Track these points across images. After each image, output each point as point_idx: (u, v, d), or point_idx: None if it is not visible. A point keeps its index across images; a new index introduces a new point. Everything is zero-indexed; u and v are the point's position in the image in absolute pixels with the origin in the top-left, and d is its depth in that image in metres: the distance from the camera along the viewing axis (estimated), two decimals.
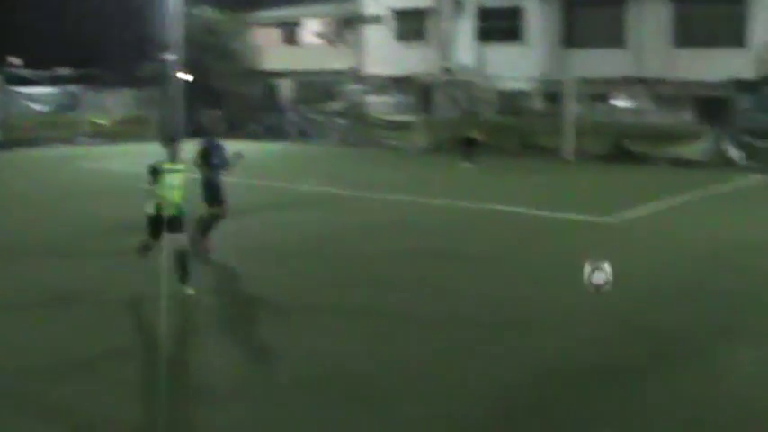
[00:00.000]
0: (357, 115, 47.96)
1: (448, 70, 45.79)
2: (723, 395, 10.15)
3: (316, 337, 12.13)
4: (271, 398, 9.91)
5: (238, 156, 17.00)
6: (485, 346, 11.93)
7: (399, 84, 47.88)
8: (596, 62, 41.74)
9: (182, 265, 13.84)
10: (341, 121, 48.10)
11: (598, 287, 8.83)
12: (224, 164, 17.33)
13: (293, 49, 56.08)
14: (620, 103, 42.92)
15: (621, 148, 38.28)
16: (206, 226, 17.18)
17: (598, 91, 41.84)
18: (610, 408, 9.67)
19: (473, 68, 45.98)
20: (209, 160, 17.17)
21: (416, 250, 18.22)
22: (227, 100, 53.57)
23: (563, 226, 21.60)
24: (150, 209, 13.85)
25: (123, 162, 34.26)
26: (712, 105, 38.88)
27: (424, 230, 20.71)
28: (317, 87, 53.65)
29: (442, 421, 9.28)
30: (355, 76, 50.49)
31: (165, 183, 13.75)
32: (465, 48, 46.83)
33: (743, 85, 38.50)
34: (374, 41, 50.32)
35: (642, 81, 41.30)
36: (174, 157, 14.09)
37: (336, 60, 51.01)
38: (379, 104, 48.73)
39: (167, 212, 13.63)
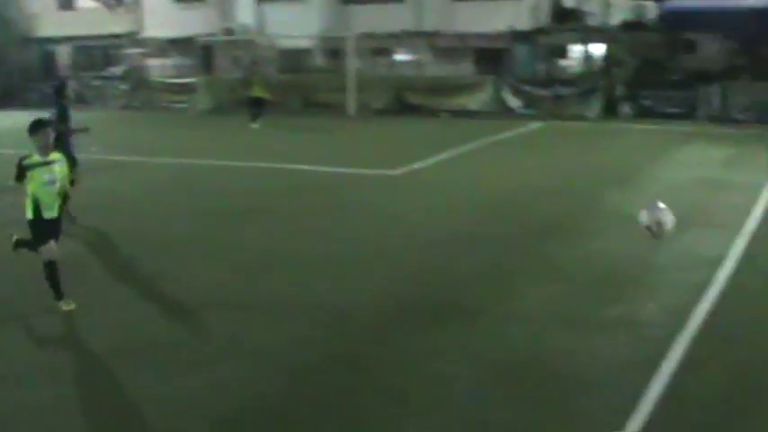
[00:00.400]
0: (138, 79, 45.85)
1: (228, 30, 44.02)
2: (513, 340, 9.86)
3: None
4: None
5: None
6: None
7: (180, 46, 45.87)
8: (376, 17, 40.64)
9: (52, 278, 11.10)
10: (122, 85, 45.82)
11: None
12: None
13: (69, 15, 53.12)
14: (401, 56, 42.43)
15: (404, 102, 37.72)
16: None
17: (379, 45, 41.11)
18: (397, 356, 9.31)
19: (254, 28, 44.46)
20: None
21: (199, 210, 17.54)
22: (2, 68, 50.69)
23: (345, 180, 20.68)
24: (29, 213, 10.97)
25: None
26: (491, 56, 38.76)
27: (205, 191, 19.83)
28: (96, 52, 51.31)
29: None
30: (134, 39, 48.20)
31: (38, 180, 10.93)
32: (245, 7, 44.91)
33: (519, 36, 38.48)
34: (152, 4, 47.67)
35: (422, 34, 40.76)
36: (45, 148, 11.16)
37: (114, 24, 48.25)
38: (160, 67, 46.88)
39: (48, 215, 10.97)
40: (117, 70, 47.72)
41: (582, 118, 33.96)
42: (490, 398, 8.43)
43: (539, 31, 38.60)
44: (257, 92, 34.30)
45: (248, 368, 9.27)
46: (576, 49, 39.02)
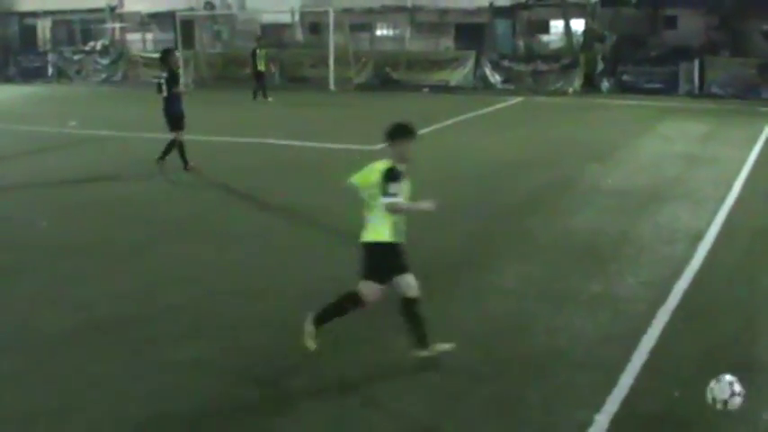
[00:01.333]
0: (118, 54, 45.48)
1: (209, 5, 43.64)
2: (490, 314, 9.69)
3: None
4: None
5: None
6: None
7: (160, 20, 45.52)
8: None
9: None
10: (102, 60, 45.44)
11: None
12: None
13: None
14: (382, 31, 42.22)
15: (385, 77, 37.54)
16: None
17: (359, 21, 40.86)
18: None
19: (234, 2, 44.11)
20: None
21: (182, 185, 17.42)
22: None
23: (325, 156, 20.55)
24: (384, 234, 8.43)
25: None
26: (472, 32, 38.62)
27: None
28: (76, 27, 50.91)
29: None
30: (114, 13, 47.77)
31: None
32: None
33: (500, 11, 38.35)
34: None
35: (403, 9, 40.54)
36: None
37: None
38: (141, 42, 46.54)
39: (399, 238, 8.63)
40: (97, 45, 47.26)
41: (562, 93, 33.91)
42: (466, 371, 8.34)
43: (519, 7, 38.50)
44: (262, 65, 34.05)
45: (222, 346, 9.14)
46: (556, 25, 38.88)
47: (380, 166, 8.21)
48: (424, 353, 8.32)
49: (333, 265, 11.77)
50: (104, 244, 13.17)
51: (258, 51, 34.05)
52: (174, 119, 18.26)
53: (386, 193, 8.06)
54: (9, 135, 25.09)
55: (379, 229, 8.25)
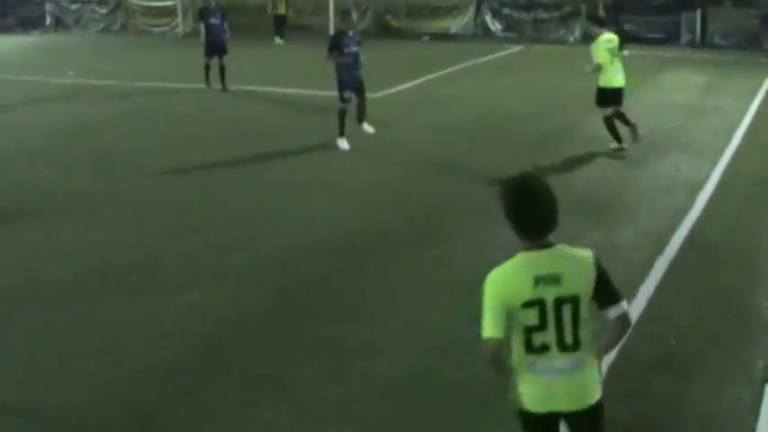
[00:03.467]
0: (117, 3, 45.12)
1: None
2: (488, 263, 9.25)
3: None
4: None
5: None
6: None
7: None
8: None
9: None
10: (100, 9, 45.10)
11: None
12: None
13: None
14: None
15: (384, 25, 37.31)
16: None
17: None
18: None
19: None
20: None
21: (178, 135, 17.39)
22: None
23: (325, 104, 20.22)
24: None
25: None
26: None
27: (186, 115, 19.72)
28: None
29: None
30: None
31: None
32: None
33: None
34: None
35: None
36: None
37: None
38: None
39: None
40: None
41: (563, 42, 33.70)
42: (465, 319, 8.43)
43: None
44: (281, 9, 35.54)
45: (222, 293, 9.24)
46: None
47: None
48: None
49: (330, 217, 11.87)
50: (106, 193, 13.23)
51: None
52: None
53: None
54: (7, 85, 25.01)
55: None
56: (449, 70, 25.44)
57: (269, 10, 36.58)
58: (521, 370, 4.56)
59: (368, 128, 16.49)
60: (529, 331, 4.48)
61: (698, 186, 12.91)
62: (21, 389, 7.30)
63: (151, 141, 16.94)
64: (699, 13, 32.77)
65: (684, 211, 11.73)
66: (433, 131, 17.30)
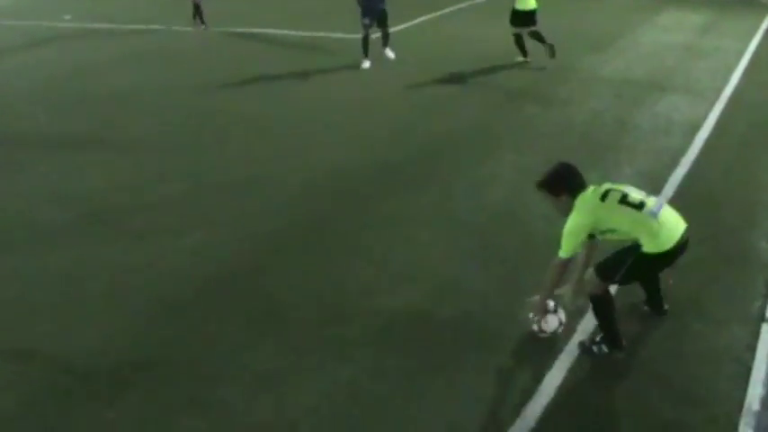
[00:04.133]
0: None
1: None
2: (489, 202, 9.32)
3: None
4: None
5: None
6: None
7: None
8: None
9: None
10: None
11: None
12: None
13: None
14: None
15: None
16: None
17: None
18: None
19: None
20: None
21: (177, 81, 16.93)
22: None
23: (315, 45, 20.48)
24: None
25: None
26: None
27: (183, 59, 19.40)
28: None
29: None
30: None
31: None
32: None
33: None
34: None
35: None
36: None
37: None
38: None
39: None
40: None
41: None
42: (466, 257, 8.47)
43: None
44: None
45: (222, 235, 9.26)
46: None
47: None
48: None
49: (330, 154, 11.86)
50: (102, 138, 13.19)
51: None
52: None
53: None
54: (2, 30, 24.84)
55: None
56: (446, 10, 25.27)
57: None
58: None
59: (389, 53, 18.22)
60: None
61: (696, 127, 12.89)
62: (19, 334, 7.32)
63: (151, 83, 16.83)
64: None
65: (682, 151, 11.72)
66: (431, 71, 17.21)
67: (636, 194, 6.44)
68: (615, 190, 6.47)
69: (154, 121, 14.07)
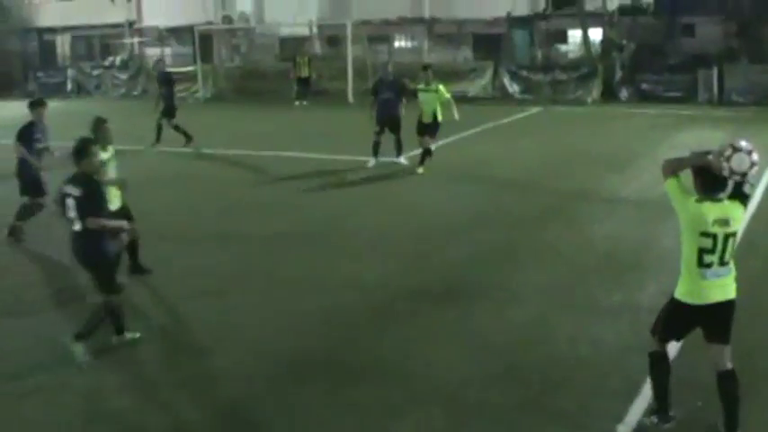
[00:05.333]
0: (137, 68, 45.66)
1: (227, 18, 43.78)
2: (512, 324, 10.00)
3: None
4: None
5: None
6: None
7: (178, 34, 45.73)
8: (374, 4, 40.47)
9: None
10: (121, 75, 45.62)
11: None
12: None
13: (69, 4, 52.80)
14: (401, 43, 42.29)
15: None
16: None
17: (377, 32, 40.92)
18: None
19: (252, 15, 44.27)
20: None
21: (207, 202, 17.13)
22: (1, 58, 50.65)
23: (352, 168, 20.46)
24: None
25: None
26: (490, 42, 38.62)
27: (212, 181, 19.68)
28: (95, 42, 51.25)
29: None
30: (133, 28, 48.01)
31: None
32: None
33: (518, 21, 38.36)
34: None
35: (420, 21, 40.59)
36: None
37: (113, 13, 48.12)
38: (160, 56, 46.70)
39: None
40: (116, 59, 47.49)
41: (581, 103, 33.85)
42: (487, 381, 8.38)
43: (537, 16, 38.48)
44: (305, 71, 36.81)
45: (245, 353, 9.23)
46: (574, 34, 38.85)
47: None
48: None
49: (355, 270, 11.87)
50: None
51: (299, 59, 36.66)
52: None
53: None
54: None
55: None
56: (469, 132, 25.44)
57: (290, 75, 36.98)
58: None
59: (402, 160, 19.56)
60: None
61: None
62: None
63: (173, 205, 16.98)
64: (716, 70, 32.86)
65: None
66: (453, 191, 17.38)
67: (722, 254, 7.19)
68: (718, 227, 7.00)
69: (186, 240, 14.12)
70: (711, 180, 6.93)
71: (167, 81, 24.72)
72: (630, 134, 25.06)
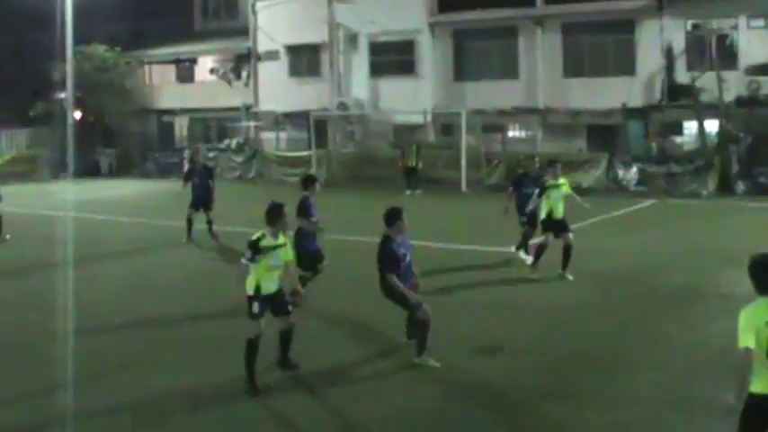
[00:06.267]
0: (252, 151, 46.84)
1: (342, 104, 44.80)
2: (626, 423, 10.11)
3: None
4: None
5: None
6: None
7: (294, 119, 46.84)
8: (488, 93, 41.08)
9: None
10: (236, 157, 46.86)
11: None
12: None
13: (187, 87, 54.81)
14: (514, 133, 42.66)
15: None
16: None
17: (491, 122, 41.41)
18: None
19: (367, 102, 45.17)
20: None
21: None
22: (122, 138, 52.48)
23: (465, 258, 21.01)
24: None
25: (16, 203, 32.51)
26: (604, 133, 38.76)
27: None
28: (212, 124, 52.75)
29: None
30: (250, 112, 49.32)
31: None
32: (359, 82, 45.81)
33: (632, 112, 38.45)
34: (268, 78, 48.96)
35: (534, 111, 40.96)
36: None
37: (231, 97, 49.68)
38: (275, 140, 47.87)
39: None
40: (232, 143, 48.76)
41: (696, 195, 33.63)
42: None
43: (652, 108, 38.52)
44: (412, 161, 37.16)
45: None
46: (689, 126, 38.76)
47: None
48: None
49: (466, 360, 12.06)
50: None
51: (407, 148, 37.29)
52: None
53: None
54: (144, 229, 26.39)
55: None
56: (584, 224, 25.49)
57: (399, 163, 37.64)
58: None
59: (523, 256, 19.41)
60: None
61: None
62: None
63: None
64: None
65: None
66: (569, 282, 17.75)
67: None
68: None
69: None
70: None
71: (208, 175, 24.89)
72: (747, 228, 24.87)
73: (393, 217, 11.96)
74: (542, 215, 18.43)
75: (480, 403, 10.95)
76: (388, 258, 11.93)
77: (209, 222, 23.95)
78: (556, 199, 18.27)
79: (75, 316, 15.07)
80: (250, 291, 11.18)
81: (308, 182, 16.55)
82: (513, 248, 20.01)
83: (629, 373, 11.94)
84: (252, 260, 11.10)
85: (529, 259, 19.06)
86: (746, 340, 7.34)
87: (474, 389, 11.44)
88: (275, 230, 11.48)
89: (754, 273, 7.87)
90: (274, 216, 11.51)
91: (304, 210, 15.81)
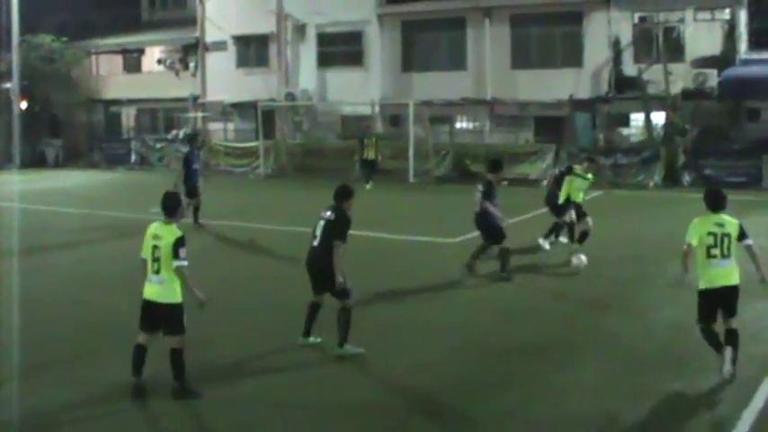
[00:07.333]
0: (200, 142, 46.30)
1: (290, 95, 44.41)
2: (571, 411, 9.94)
3: None
4: None
5: None
6: None
7: (241, 110, 46.46)
8: (436, 85, 40.98)
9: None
10: (183, 148, 46.20)
11: None
12: None
13: (135, 77, 54.20)
14: (462, 124, 42.59)
15: (463, 169, 37.65)
16: None
17: (439, 113, 41.27)
18: None
19: (315, 93, 44.88)
20: None
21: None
22: (68, 129, 51.90)
23: (406, 248, 21.02)
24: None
25: None
26: (552, 124, 38.77)
27: (275, 255, 20.15)
28: (160, 115, 52.29)
29: None
30: (197, 103, 48.86)
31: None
32: (306, 73, 45.50)
33: (580, 104, 38.48)
34: (215, 68, 48.48)
35: (482, 102, 40.88)
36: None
37: (178, 88, 49.16)
38: (222, 131, 47.51)
39: None
40: (179, 133, 48.27)
41: (643, 187, 33.74)
42: None
43: (599, 100, 38.60)
44: (370, 154, 36.10)
45: None
46: (636, 118, 38.88)
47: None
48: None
49: (409, 355, 11.86)
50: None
51: (366, 140, 36.32)
52: None
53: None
54: (91, 219, 25.79)
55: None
56: (529, 215, 25.42)
57: (355, 157, 37.20)
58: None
59: (545, 244, 19.87)
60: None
61: None
62: None
63: (241, 274, 17.40)
64: None
65: None
66: (515, 275, 17.37)
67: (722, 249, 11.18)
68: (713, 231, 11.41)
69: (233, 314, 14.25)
70: None
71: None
72: (693, 219, 24.78)
73: (351, 192, 12.25)
74: (561, 200, 19.26)
75: (422, 396, 10.74)
76: (347, 230, 11.93)
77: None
78: (577, 188, 19.20)
79: (20, 307, 14.50)
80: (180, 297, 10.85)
81: None
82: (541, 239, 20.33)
83: (576, 363, 11.82)
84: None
85: (546, 245, 19.93)
86: (690, 239, 11.40)
87: (417, 380, 11.18)
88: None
89: (705, 197, 11.85)
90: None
91: None
